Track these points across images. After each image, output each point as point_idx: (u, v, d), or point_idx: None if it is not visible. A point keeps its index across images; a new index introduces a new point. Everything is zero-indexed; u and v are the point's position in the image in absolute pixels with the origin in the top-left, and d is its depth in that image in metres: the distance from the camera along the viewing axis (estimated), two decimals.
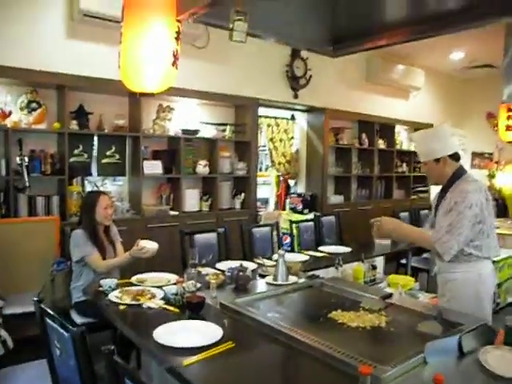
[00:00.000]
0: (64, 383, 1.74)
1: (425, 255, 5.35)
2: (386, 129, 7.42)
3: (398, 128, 7.81)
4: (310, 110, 6.37)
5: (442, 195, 2.63)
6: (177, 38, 2.48)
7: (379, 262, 4.15)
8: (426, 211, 6.38)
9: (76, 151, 4.25)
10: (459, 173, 2.57)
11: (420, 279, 4.78)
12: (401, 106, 7.56)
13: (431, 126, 8.17)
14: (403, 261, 5.16)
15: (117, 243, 3.32)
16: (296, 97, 5.86)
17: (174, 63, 2.47)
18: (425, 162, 2.65)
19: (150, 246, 3.02)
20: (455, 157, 2.60)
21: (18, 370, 2.29)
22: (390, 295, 2.51)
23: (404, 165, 7.86)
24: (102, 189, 4.61)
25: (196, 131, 5.02)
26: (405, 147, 8.01)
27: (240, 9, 2.33)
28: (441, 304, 2.57)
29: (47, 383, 1.86)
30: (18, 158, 3.85)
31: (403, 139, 8.16)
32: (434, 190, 8.01)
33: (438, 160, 2.56)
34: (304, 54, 5.76)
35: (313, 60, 5.83)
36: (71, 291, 3.18)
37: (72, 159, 4.21)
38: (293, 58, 5.74)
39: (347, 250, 4.08)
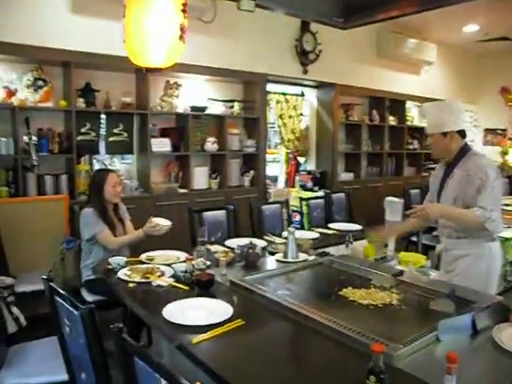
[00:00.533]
0: (75, 360, 1.75)
1: (435, 233, 5.29)
2: (397, 105, 7.30)
3: (409, 104, 7.68)
4: (319, 85, 6.27)
5: (447, 171, 2.62)
6: (183, 11, 2.40)
7: (390, 239, 4.11)
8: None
9: (83, 129, 4.22)
10: (465, 149, 2.57)
11: (431, 257, 4.73)
12: (412, 82, 7.41)
13: (443, 101, 8.04)
14: (414, 238, 5.11)
15: (126, 221, 3.31)
16: (305, 72, 5.76)
17: (181, 37, 2.40)
18: (431, 134, 2.62)
19: (163, 223, 3.00)
20: (462, 133, 2.58)
21: (31, 347, 2.29)
22: (401, 273, 2.48)
23: (415, 141, 7.75)
24: (110, 167, 4.60)
25: (204, 108, 4.96)
26: (416, 123, 7.88)
27: None
28: (447, 280, 2.55)
29: (59, 360, 1.87)
30: (25, 137, 3.84)
31: (414, 115, 8.03)
32: None
33: (445, 134, 2.55)
34: (314, 27, 5.62)
35: (323, 34, 5.70)
36: (81, 269, 3.19)
37: (79, 137, 4.18)
38: (302, 32, 5.61)
39: (357, 227, 4.04)
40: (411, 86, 7.36)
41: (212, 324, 1.79)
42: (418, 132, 7.80)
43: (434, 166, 7.94)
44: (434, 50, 7.26)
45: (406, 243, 5.24)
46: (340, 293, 2.16)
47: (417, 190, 5.92)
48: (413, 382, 1.45)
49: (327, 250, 3.05)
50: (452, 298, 2.03)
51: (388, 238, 3.06)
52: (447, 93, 8.03)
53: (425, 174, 7.82)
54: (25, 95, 3.92)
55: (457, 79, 8.26)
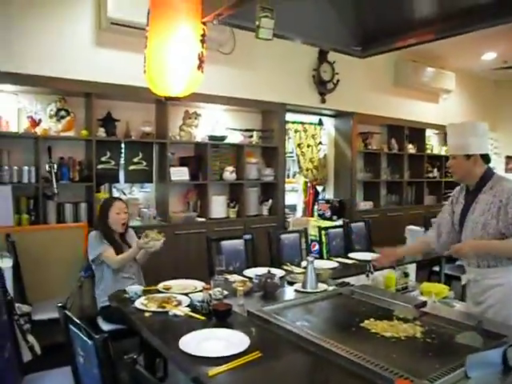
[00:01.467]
0: None
1: (459, 262, 5.16)
2: (416, 133, 7.25)
3: (429, 132, 7.63)
4: (337, 114, 6.28)
5: (471, 197, 2.51)
6: (202, 41, 2.45)
7: (411, 269, 4.01)
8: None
9: (103, 158, 4.28)
10: (489, 173, 2.48)
11: (454, 287, 4.60)
12: (431, 110, 7.38)
13: None
14: (436, 268, 4.98)
15: (133, 245, 3.27)
16: (323, 101, 5.78)
17: (199, 66, 2.44)
18: (454, 156, 2.52)
19: (156, 240, 2.96)
20: (486, 158, 2.50)
21: (45, 377, 2.26)
22: (424, 304, 2.40)
23: (435, 170, 7.67)
24: (129, 196, 4.64)
25: (223, 137, 5.00)
26: (436, 152, 7.81)
27: (266, 5, 2.27)
28: (476, 312, 2.45)
29: None
30: (47, 166, 3.90)
31: (434, 143, 7.97)
32: None
33: (468, 157, 2.45)
34: (331, 57, 5.68)
35: (340, 64, 5.75)
36: (96, 297, 3.17)
37: (100, 166, 4.23)
38: (320, 62, 5.67)
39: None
40: (430, 114, 7.33)
41: (228, 356, 1.74)
42: (438, 160, 7.73)
43: None
44: (452, 78, 7.25)
45: (428, 273, 5.11)
46: (361, 324, 2.09)
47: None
48: None
49: (347, 279, 2.97)
50: (479, 331, 1.95)
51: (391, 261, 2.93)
52: (466, 119, 7.96)
53: (445, 202, 7.68)
54: (48, 125, 4.01)
55: (476, 106, 8.20)
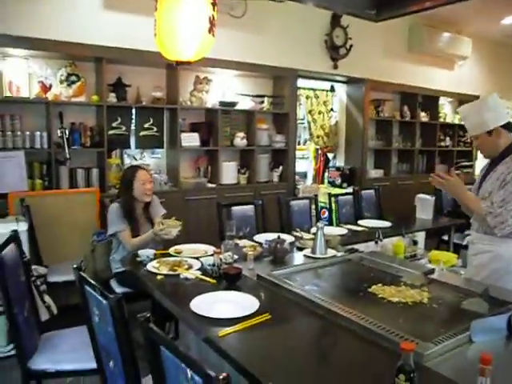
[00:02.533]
0: (103, 349, 1.77)
1: (468, 232, 5.16)
2: (430, 101, 7.13)
3: (442, 100, 7.50)
4: (349, 81, 6.18)
5: (491, 167, 2.54)
6: (213, 4, 2.40)
7: (420, 237, 4.04)
8: (470, 186, 6.16)
9: (114, 124, 4.28)
10: None
11: (462, 256, 4.62)
12: (445, 77, 7.22)
13: (477, 97, 7.79)
14: (445, 237, 4.99)
15: (155, 219, 3.23)
16: (336, 67, 5.68)
17: (210, 30, 2.40)
18: (476, 136, 2.52)
19: (172, 227, 2.93)
20: (509, 127, 2.46)
21: (62, 335, 2.34)
22: (432, 271, 2.43)
23: (447, 139, 7.57)
24: (140, 162, 4.66)
25: (234, 103, 4.96)
26: (449, 120, 7.69)
27: None
28: (466, 274, 2.59)
29: (89, 348, 1.89)
30: (58, 131, 3.93)
31: (447, 112, 7.84)
32: (479, 165, 7.75)
33: (490, 132, 2.45)
34: (344, 21, 5.55)
35: (353, 28, 5.62)
36: (111, 262, 3.23)
37: (111, 132, 4.24)
38: (333, 27, 5.53)
39: (387, 224, 3.98)
40: (444, 81, 7.17)
41: (238, 317, 1.79)
42: (451, 129, 7.62)
43: (467, 163, 7.78)
44: (468, 44, 7.06)
45: (437, 242, 5.13)
46: (369, 290, 2.13)
47: None
48: (444, 382, 1.41)
49: (356, 246, 3.00)
50: (485, 298, 1.98)
51: None
52: (482, 88, 7.81)
53: (457, 171, 7.63)
54: (59, 90, 4.01)
55: (492, 74, 8.00)
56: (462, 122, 2.65)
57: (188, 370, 1.12)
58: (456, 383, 1.39)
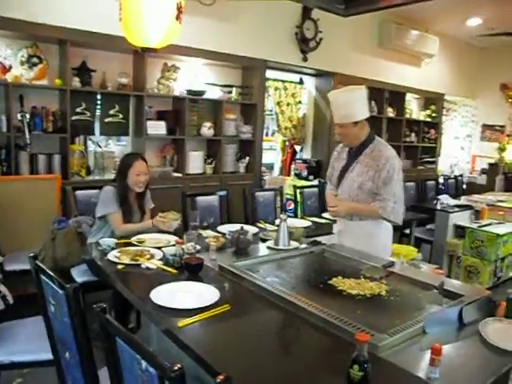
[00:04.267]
0: (59, 340, 1.74)
1: (429, 226, 5.31)
2: (397, 97, 7.27)
3: (409, 96, 7.65)
4: (318, 74, 6.21)
5: (353, 156, 2.76)
6: None
7: None
8: (433, 182, 6.33)
9: (78, 109, 4.18)
10: (372, 137, 2.74)
11: (423, 250, 4.76)
12: (413, 74, 7.36)
13: (442, 95, 8.02)
14: (407, 231, 5.12)
15: (147, 210, 3.24)
16: (305, 60, 5.70)
17: (177, 17, 2.37)
18: (341, 125, 2.68)
19: (173, 220, 2.92)
20: (368, 120, 2.72)
21: (18, 325, 2.29)
22: (391, 264, 2.48)
23: (413, 134, 7.74)
24: (105, 149, 4.57)
25: (201, 92, 4.92)
26: (414, 116, 7.86)
27: None
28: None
29: (45, 339, 1.86)
30: (19, 115, 3.80)
31: (413, 108, 8.01)
32: (443, 161, 7.90)
33: (356, 123, 2.64)
34: (315, 14, 5.56)
35: (324, 22, 5.63)
36: (87, 245, 3.12)
37: (74, 117, 4.14)
38: (303, 19, 5.53)
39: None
40: (411, 78, 7.32)
41: (198, 308, 1.79)
42: (416, 125, 7.79)
43: (430, 159, 7.98)
44: (435, 43, 7.21)
45: (399, 235, 5.25)
46: (329, 282, 2.15)
47: (412, 183, 5.92)
48: (396, 372, 1.45)
49: (319, 238, 3.03)
50: (441, 291, 2.04)
51: None
52: (447, 87, 8.01)
53: (421, 167, 7.82)
54: (19, 72, 3.86)
55: (457, 73, 8.21)
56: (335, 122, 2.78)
57: (143, 362, 1.11)
58: (408, 373, 1.43)
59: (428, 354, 1.43)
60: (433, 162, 8.10)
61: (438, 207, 5.04)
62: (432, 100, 8.08)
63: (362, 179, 2.67)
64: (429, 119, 8.02)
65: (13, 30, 3.69)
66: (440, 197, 5.36)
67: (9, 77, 3.77)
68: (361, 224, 2.77)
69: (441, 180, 6.72)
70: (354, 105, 2.62)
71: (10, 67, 3.80)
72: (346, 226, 2.84)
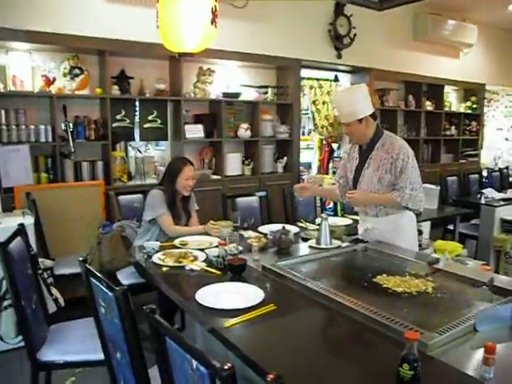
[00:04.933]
0: (110, 340, 1.79)
1: (473, 221, 5.16)
2: (435, 89, 7.09)
3: (448, 89, 7.45)
4: (353, 70, 6.14)
5: (365, 154, 2.77)
6: None
7: (425, 226, 4.03)
8: (476, 175, 6.14)
9: (118, 116, 4.29)
10: (380, 131, 2.76)
11: (468, 246, 4.62)
12: (451, 65, 7.16)
13: (483, 86, 7.76)
14: (450, 227, 4.99)
15: (192, 213, 3.31)
16: (339, 57, 5.65)
17: (212, 21, 2.40)
18: (347, 124, 2.71)
19: (224, 227, 2.92)
20: (373, 116, 2.73)
21: (69, 326, 2.37)
22: (436, 261, 2.42)
23: (453, 128, 7.53)
24: (145, 154, 4.67)
25: (237, 94, 4.95)
26: (454, 109, 7.66)
27: None
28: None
29: (96, 340, 1.91)
30: (62, 124, 3.94)
31: (453, 100, 7.79)
32: (486, 154, 7.65)
33: (360, 120, 2.67)
34: (348, 10, 5.50)
35: (357, 17, 5.57)
36: (133, 248, 3.20)
37: (115, 124, 4.26)
38: (336, 16, 5.49)
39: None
40: (449, 69, 7.12)
41: (244, 308, 1.80)
42: (456, 118, 7.58)
43: (472, 152, 7.74)
44: (474, 32, 6.99)
45: (443, 231, 5.13)
46: (374, 280, 2.13)
47: (454, 178, 5.77)
48: (448, 371, 1.41)
49: (361, 236, 3.00)
50: (491, 288, 1.98)
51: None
52: (488, 76, 7.75)
53: (463, 160, 7.59)
54: (62, 83, 4.01)
55: (498, 62, 7.92)
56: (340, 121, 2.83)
57: (193, 361, 1.13)
58: (460, 372, 1.40)
59: (480, 353, 1.40)
60: (475, 155, 7.86)
61: (483, 201, 4.89)
62: (472, 91, 7.84)
63: (380, 173, 2.70)
64: (469, 111, 7.79)
65: (55, 44, 3.83)
66: (484, 190, 5.20)
67: (53, 89, 3.91)
68: (387, 219, 2.78)
69: (484, 173, 6.51)
70: (355, 103, 2.66)
71: (54, 79, 3.94)
72: (373, 223, 2.84)
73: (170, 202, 3.14)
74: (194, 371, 1.13)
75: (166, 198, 3.13)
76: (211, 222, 3.02)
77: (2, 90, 3.71)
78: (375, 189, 2.73)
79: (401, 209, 2.73)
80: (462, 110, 7.74)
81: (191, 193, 3.31)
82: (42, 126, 3.87)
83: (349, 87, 2.80)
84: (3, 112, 3.72)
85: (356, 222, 3.69)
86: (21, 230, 2.30)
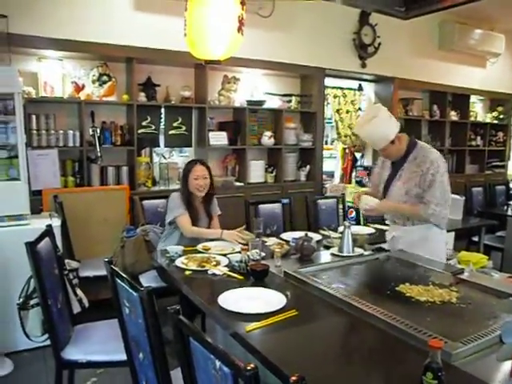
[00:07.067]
0: (133, 341, 1.81)
1: (499, 233, 5.06)
2: (460, 99, 7.00)
3: (473, 98, 7.34)
4: (378, 79, 6.12)
5: (398, 166, 2.81)
6: (242, 3, 2.43)
7: (449, 237, 3.97)
8: (503, 187, 6.03)
9: (144, 123, 4.37)
10: (412, 142, 2.80)
11: (493, 258, 4.53)
12: (477, 75, 7.06)
13: (510, 95, 7.62)
14: (475, 238, 4.90)
15: (214, 216, 3.33)
16: (364, 66, 5.64)
17: (239, 29, 2.43)
18: (383, 149, 2.76)
19: (247, 240, 2.89)
20: (401, 129, 2.79)
21: (93, 327, 2.42)
22: (461, 271, 2.39)
23: (478, 138, 7.41)
24: (169, 160, 4.73)
25: (261, 102, 4.99)
26: (480, 119, 7.53)
27: None
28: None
29: (119, 341, 1.94)
30: (90, 130, 4.03)
31: (478, 110, 7.67)
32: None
33: (393, 141, 2.72)
34: (373, 19, 5.50)
35: (382, 26, 5.56)
36: (156, 252, 3.23)
37: (140, 130, 4.33)
38: (361, 25, 5.49)
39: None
40: (475, 79, 7.02)
41: (265, 313, 1.81)
42: (482, 128, 7.46)
43: (499, 163, 7.60)
44: (501, 41, 6.89)
45: (467, 243, 5.04)
46: (397, 288, 2.11)
47: (479, 188, 5.68)
48: (473, 382, 1.39)
49: (383, 245, 2.98)
50: None
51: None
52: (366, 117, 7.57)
53: (488, 171, 7.46)
54: (91, 90, 4.11)
55: None
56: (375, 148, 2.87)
57: (217, 361, 1.14)
58: (485, 383, 1.37)
59: (506, 366, 1.37)
60: (502, 166, 7.71)
61: (510, 213, 4.79)
62: (499, 101, 7.71)
63: (408, 186, 2.73)
64: (496, 121, 7.65)
65: (84, 52, 3.94)
66: (511, 202, 5.10)
67: (82, 95, 4.01)
68: (414, 229, 2.80)
69: None
70: (381, 129, 2.70)
71: (83, 86, 4.04)
72: (401, 231, 2.86)
73: (187, 203, 3.18)
74: (218, 371, 1.15)
75: (182, 198, 3.18)
76: (238, 234, 2.98)
77: (34, 96, 3.82)
78: (402, 200, 2.76)
79: (428, 221, 2.74)
80: (488, 120, 7.62)
81: (213, 196, 3.34)
82: (71, 131, 3.98)
83: (367, 116, 2.78)
84: (34, 117, 3.83)
85: (379, 231, 3.67)
86: (49, 231, 2.36)
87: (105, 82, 4.14)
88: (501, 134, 7.68)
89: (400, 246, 2.83)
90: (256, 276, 2.25)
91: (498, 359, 1.52)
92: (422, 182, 2.68)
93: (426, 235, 2.77)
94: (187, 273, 2.41)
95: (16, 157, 3.26)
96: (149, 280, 3.21)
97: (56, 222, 3.21)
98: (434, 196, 2.66)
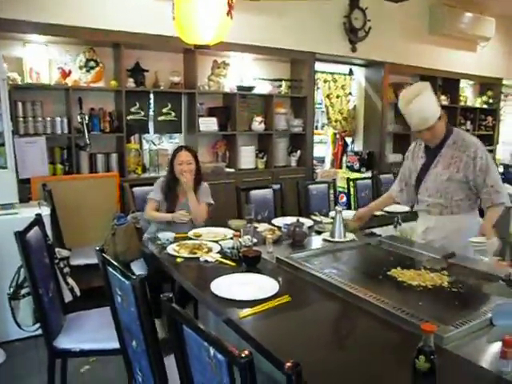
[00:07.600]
0: (125, 329, 1.81)
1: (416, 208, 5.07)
2: (450, 84, 7.00)
3: (463, 83, 7.34)
4: (368, 64, 6.09)
5: (434, 151, 2.67)
6: None
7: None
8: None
9: (133, 109, 4.31)
10: (450, 127, 2.66)
11: None
12: (467, 59, 7.05)
13: (500, 80, 7.64)
14: None
15: (201, 203, 3.24)
16: (354, 50, 5.60)
17: (228, 12, 2.39)
18: (429, 127, 2.56)
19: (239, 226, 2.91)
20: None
21: (85, 316, 2.40)
22: (452, 255, 2.40)
23: (468, 122, 7.43)
24: (159, 147, 4.69)
25: (251, 87, 4.95)
26: (470, 103, 7.55)
27: None
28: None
29: (111, 329, 1.93)
30: (78, 117, 3.97)
31: (468, 95, 7.69)
32: (502, 149, 7.53)
33: (439, 118, 2.57)
34: (363, 3, 5.45)
35: (372, 10, 5.52)
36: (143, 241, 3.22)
37: (129, 117, 4.28)
38: (351, 8, 5.44)
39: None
40: (466, 63, 7.01)
41: (259, 299, 1.81)
42: (472, 112, 7.48)
43: (488, 147, 7.63)
44: (492, 25, 6.87)
45: None
46: (388, 273, 2.12)
47: None
48: (464, 364, 1.41)
49: (375, 230, 2.99)
50: (508, 282, 1.96)
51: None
52: (505, 70, 7.62)
53: None
54: (78, 76, 4.03)
55: None
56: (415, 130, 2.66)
57: (211, 348, 1.14)
58: (477, 365, 1.39)
59: (496, 347, 1.39)
60: (491, 151, 7.75)
61: None
62: (488, 85, 7.73)
63: (450, 171, 2.59)
64: (485, 106, 7.68)
65: (70, 37, 3.85)
66: None
67: (69, 81, 3.94)
68: (452, 218, 2.65)
69: (500, 169, 6.42)
70: (431, 103, 2.54)
71: (70, 72, 3.97)
72: (436, 221, 2.71)
73: (166, 188, 3.22)
74: (212, 359, 1.14)
75: (164, 183, 3.24)
76: (179, 212, 3.09)
77: (20, 82, 3.74)
78: (443, 187, 2.63)
79: (475, 210, 2.66)
80: (477, 104, 7.64)
81: (200, 183, 3.31)
82: (58, 118, 3.91)
83: (413, 93, 2.57)
84: (20, 104, 3.75)
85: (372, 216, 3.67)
86: (38, 220, 2.33)
87: (92, 68, 4.07)
88: (490, 119, 7.72)
89: (434, 237, 2.70)
90: (248, 262, 2.25)
91: (488, 341, 1.54)
92: (470, 167, 2.54)
93: (463, 225, 2.63)
94: (179, 260, 2.39)
95: (2, 145, 3.21)
96: (140, 267, 3.20)
97: (45, 211, 3.18)
98: (494, 179, 2.55)
